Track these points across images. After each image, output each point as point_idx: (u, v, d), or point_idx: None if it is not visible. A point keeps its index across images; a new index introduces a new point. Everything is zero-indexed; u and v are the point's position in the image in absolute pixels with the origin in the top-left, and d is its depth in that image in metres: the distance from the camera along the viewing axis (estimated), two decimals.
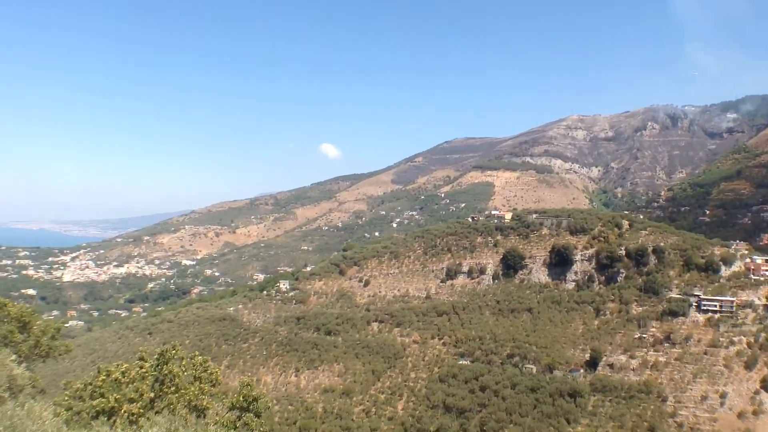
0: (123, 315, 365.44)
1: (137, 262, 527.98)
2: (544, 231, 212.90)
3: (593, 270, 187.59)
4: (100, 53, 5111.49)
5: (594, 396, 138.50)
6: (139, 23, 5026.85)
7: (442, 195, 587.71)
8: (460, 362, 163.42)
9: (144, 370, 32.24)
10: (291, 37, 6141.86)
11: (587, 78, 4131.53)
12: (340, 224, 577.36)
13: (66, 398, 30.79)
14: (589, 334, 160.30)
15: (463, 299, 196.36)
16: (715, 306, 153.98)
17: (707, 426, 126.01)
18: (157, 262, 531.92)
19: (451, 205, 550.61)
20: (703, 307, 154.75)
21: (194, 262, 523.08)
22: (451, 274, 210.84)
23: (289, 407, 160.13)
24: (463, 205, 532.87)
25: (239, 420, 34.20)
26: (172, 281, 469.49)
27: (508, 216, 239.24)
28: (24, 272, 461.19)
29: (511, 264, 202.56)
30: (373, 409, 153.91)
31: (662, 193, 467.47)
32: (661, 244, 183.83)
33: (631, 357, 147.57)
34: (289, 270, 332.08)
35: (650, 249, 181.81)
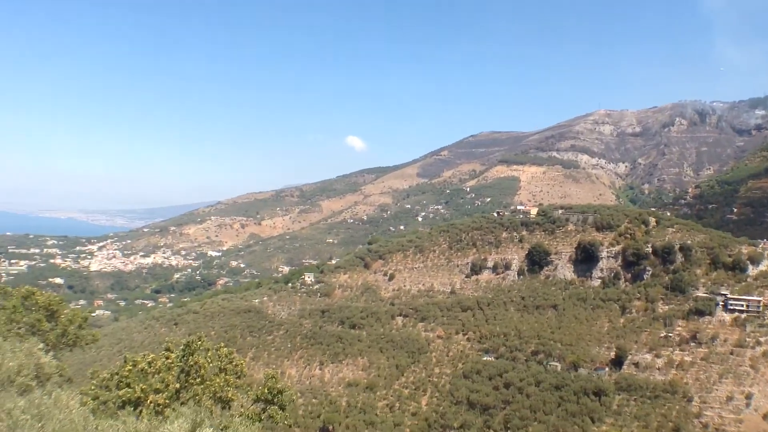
0: (149, 305, 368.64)
1: (163, 253, 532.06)
2: (570, 227, 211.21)
3: (619, 267, 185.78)
4: (135, 43, 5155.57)
5: (619, 395, 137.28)
6: (175, 17, 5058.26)
7: (468, 189, 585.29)
8: (485, 358, 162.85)
9: (170, 360, 32.36)
10: (320, 31, 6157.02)
11: (614, 73, 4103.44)
12: (365, 217, 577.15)
13: (93, 387, 30.96)
14: (615, 332, 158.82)
15: (488, 295, 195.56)
16: (742, 305, 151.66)
17: (732, 427, 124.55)
18: (183, 252, 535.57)
19: (476, 199, 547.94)
20: (729, 307, 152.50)
21: (220, 253, 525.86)
22: (476, 269, 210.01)
23: (313, 400, 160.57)
24: (489, 199, 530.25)
25: (264, 412, 34.34)
26: (198, 272, 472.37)
27: (534, 211, 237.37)
28: (52, 261, 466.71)
29: (537, 260, 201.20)
30: (397, 404, 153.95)
31: (689, 190, 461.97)
32: (688, 242, 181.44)
33: (657, 356, 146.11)
34: (314, 263, 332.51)
35: (677, 247, 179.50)
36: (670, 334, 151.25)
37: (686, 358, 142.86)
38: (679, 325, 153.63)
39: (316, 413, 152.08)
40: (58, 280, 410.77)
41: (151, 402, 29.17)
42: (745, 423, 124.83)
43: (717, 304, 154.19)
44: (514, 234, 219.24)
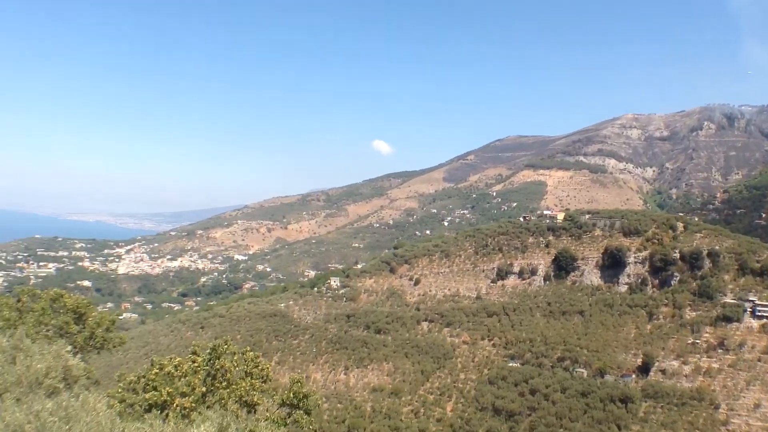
0: (176, 308, 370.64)
1: (190, 256, 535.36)
2: (597, 232, 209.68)
3: (646, 273, 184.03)
4: (165, 44, 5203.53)
5: (645, 402, 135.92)
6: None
7: (494, 194, 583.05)
8: (510, 364, 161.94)
9: (196, 364, 32.52)
10: (346, 34, 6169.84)
11: (642, 77, 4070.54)
12: (391, 222, 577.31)
13: (119, 390, 31.19)
14: (642, 339, 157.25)
15: (514, 300, 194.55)
16: None
17: None
18: (209, 256, 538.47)
19: (502, 204, 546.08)
20: (757, 313, 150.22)
21: (246, 257, 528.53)
22: (502, 274, 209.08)
23: (338, 405, 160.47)
24: (515, 204, 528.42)
25: (289, 417, 34.40)
26: (224, 276, 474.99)
27: (561, 216, 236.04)
28: (80, 264, 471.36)
29: (563, 265, 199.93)
30: (422, 410, 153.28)
31: (718, 195, 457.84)
32: (716, 247, 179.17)
33: (684, 363, 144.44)
34: (340, 267, 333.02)
35: (705, 252, 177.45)
36: (697, 341, 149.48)
37: (714, 365, 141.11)
38: (706, 332, 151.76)
39: (341, 418, 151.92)
40: (86, 283, 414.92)
41: (177, 405, 29.31)
42: None
43: (745, 311, 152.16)
44: (541, 239, 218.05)
